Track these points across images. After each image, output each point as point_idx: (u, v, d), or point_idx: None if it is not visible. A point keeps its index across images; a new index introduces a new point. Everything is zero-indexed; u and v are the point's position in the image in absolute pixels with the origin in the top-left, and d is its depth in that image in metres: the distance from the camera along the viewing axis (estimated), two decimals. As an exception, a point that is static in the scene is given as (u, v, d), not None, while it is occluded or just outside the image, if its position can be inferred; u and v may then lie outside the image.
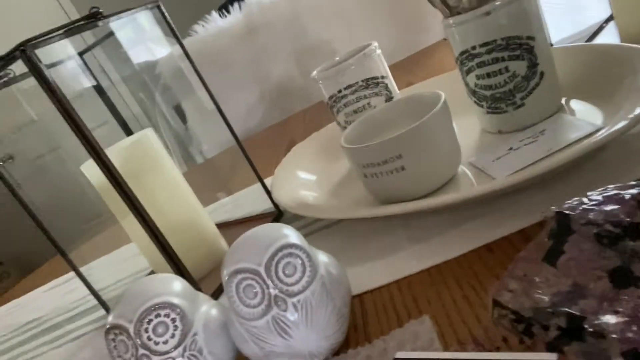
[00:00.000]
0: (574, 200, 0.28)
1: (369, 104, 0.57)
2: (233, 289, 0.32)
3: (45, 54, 0.43)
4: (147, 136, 0.55)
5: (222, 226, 0.62)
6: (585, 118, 0.46)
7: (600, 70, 0.49)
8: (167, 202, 0.55)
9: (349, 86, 0.56)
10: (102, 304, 0.59)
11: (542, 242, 0.27)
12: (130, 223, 0.56)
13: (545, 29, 0.48)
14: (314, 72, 0.61)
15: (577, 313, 0.23)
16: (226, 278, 0.32)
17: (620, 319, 0.22)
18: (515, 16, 0.45)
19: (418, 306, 0.35)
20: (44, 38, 0.41)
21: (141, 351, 0.32)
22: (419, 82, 0.75)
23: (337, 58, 0.62)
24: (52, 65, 0.57)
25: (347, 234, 0.50)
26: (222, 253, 0.59)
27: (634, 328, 0.21)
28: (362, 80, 0.56)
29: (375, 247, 0.45)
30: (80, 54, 0.63)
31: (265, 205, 0.69)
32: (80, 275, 0.58)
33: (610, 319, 0.22)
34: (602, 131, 0.39)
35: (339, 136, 0.63)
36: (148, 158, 0.54)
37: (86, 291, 0.60)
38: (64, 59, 0.61)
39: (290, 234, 0.33)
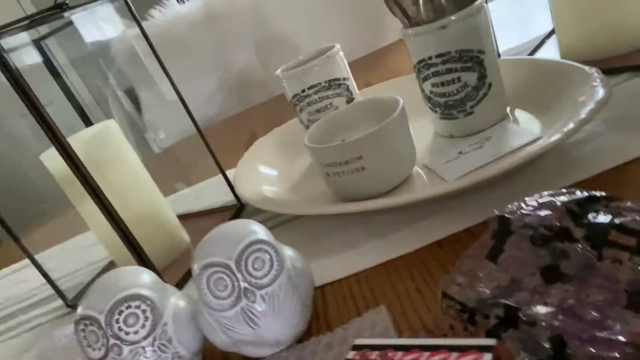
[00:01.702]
0: (514, 205, 0.32)
1: (331, 104, 0.60)
2: (204, 282, 0.34)
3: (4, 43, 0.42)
4: (110, 127, 0.55)
5: (183, 218, 0.63)
6: (526, 127, 0.51)
7: (541, 83, 0.53)
8: (129, 194, 0.55)
9: (313, 86, 0.59)
10: (59, 293, 0.59)
11: (485, 242, 0.31)
12: (90, 213, 0.56)
13: (494, 43, 0.52)
14: (278, 71, 0.62)
15: (513, 304, 0.27)
16: (197, 271, 0.34)
17: (549, 310, 0.26)
18: (468, 31, 0.49)
19: (375, 297, 0.38)
20: (10, 28, 0.41)
21: (112, 341, 0.34)
22: (377, 83, 0.78)
23: (301, 57, 0.64)
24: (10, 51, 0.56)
25: (308, 229, 0.52)
26: (184, 244, 0.60)
27: (560, 317, 0.25)
28: (325, 81, 0.58)
29: (336, 242, 0.47)
30: (35, 41, 0.61)
31: (227, 198, 0.70)
32: (35, 264, 0.57)
33: (540, 309, 0.26)
34: (541, 141, 0.43)
35: (301, 133, 0.65)
36: (110, 149, 0.55)
37: (41, 280, 0.60)
38: (18, 47, 0.59)
39: (259, 231, 0.35)
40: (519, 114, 0.54)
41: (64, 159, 0.44)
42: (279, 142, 0.71)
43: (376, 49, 1.23)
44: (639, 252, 0.25)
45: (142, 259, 0.49)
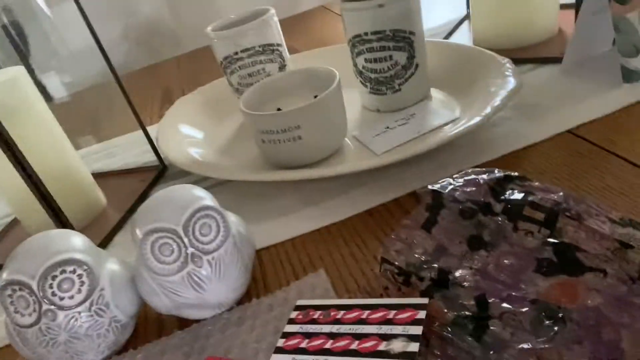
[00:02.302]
0: (444, 181, 0.36)
1: (263, 69, 0.59)
2: (148, 247, 0.34)
3: None
4: (19, 75, 0.50)
5: (97, 177, 0.60)
6: (445, 107, 0.55)
7: (458, 67, 0.58)
8: (42, 147, 0.51)
9: (246, 49, 0.58)
10: (-47, 256, 0.53)
11: (420, 213, 0.34)
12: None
13: (422, 25, 0.56)
14: (209, 29, 0.60)
15: (445, 268, 0.31)
16: (140, 236, 0.34)
17: (473, 273, 0.30)
18: (403, 12, 0.52)
19: (312, 261, 0.41)
20: None
21: (46, 306, 0.32)
22: (301, 50, 0.79)
23: (233, 16, 0.62)
24: None
25: (237, 193, 0.52)
26: (100, 206, 0.57)
27: (483, 279, 0.29)
28: (259, 46, 0.58)
29: (268, 208, 0.49)
30: None
31: (144, 158, 0.67)
32: None
33: (466, 272, 0.30)
34: (461, 122, 0.48)
35: (228, 95, 0.65)
36: (20, 97, 0.50)
37: None
38: None
39: (205, 196, 0.36)
40: (438, 94, 0.59)
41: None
42: (202, 103, 0.69)
43: (294, 13, 1.22)
44: (546, 225, 0.31)
45: (60, 219, 0.46)
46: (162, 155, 0.62)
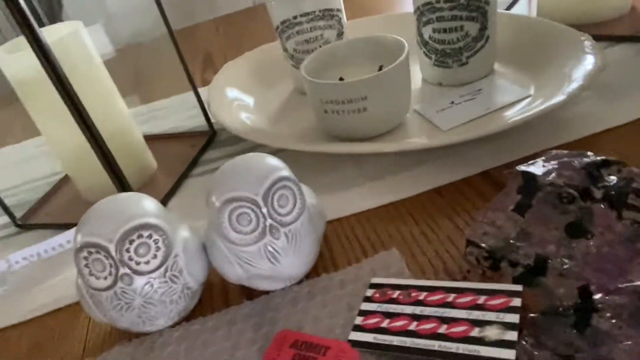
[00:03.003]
0: (534, 162, 0.34)
1: (322, 35, 0.57)
2: (226, 216, 0.32)
3: None
4: (78, 29, 0.48)
5: (147, 139, 0.58)
6: (514, 83, 0.53)
7: (530, 41, 0.55)
8: (100, 106, 0.50)
9: (306, 14, 0.55)
10: (5, 210, 0.53)
11: (510, 195, 0.33)
12: (48, 121, 0.50)
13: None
14: (266, -9, 0.58)
15: (543, 254, 0.29)
16: (218, 205, 0.32)
17: (575, 262, 0.28)
18: (480, -22, 0.48)
19: (380, 239, 0.39)
20: None
21: (123, 270, 0.32)
22: (358, 17, 0.76)
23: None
24: None
25: (292, 165, 0.51)
26: (151, 169, 0.56)
27: (584, 269, 0.28)
28: (320, 10, 0.55)
29: (327, 181, 0.47)
30: None
31: (192, 122, 0.66)
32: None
33: (567, 261, 0.28)
34: (537, 101, 0.45)
35: (279, 60, 0.63)
36: (80, 54, 0.48)
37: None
38: None
39: (283, 167, 0.34)
40: (505, 69, 0.56)
41: (38, 57, 0.38)
42: (251, 68, 0.67)
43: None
44: (654, 215, 0.29)
45: (120, 181, 0.45)
46: (212, 121, 0.60)
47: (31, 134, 0.76)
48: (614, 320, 0.26)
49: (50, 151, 0.56)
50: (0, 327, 0.42)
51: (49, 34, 0.48)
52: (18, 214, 0.54)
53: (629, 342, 0.25)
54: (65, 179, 0.59)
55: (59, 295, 0.43)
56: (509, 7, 0.72)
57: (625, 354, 0.24)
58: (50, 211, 0.54)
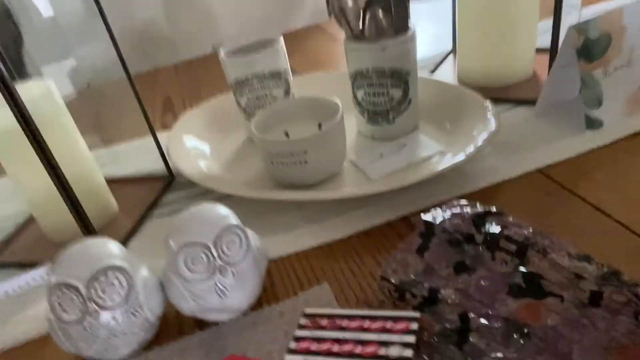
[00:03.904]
0: (435, 210, 0.42)
1: (270, 93, 0.65)
2: (181, 258, 0.39)
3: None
4: (51, 87, 0.54)
5: (108, 182, 0.64)
6: (431, 139, 0.62)
7: (444, 103, 0.65)
8: (67, 153, 0.54)
9: (256, 75, 0.63)
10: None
11: (414, 239, 0.41)
12: (17, 166, 0.54)
13: (416, 65, 0.62)
14: (222, 54, 0.65)
15: (434, 287, 0.37)
16: (175, 248, 0.39)
17: (457, 293, 0.36)
18: (401, 54, 0.58)
19: (315, 275, 0.47)
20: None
21: (91, 306, 0.37)
22: (297, 69, 0.84)
23: (243, 42, 0.68)
24: None
25: (243, 208, 0.57)
26: (113, 210, 0.62)
27: (464, 299, 0.36)
28: (268, 72, 0.63)
29: (272, 223, 0.54)
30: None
31: (153, 167, 0.72)
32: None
33: (451, 292, 0.37)
34: (447, 156, 0.55)
35: (233, 112, 0.70)
36: (52, 109, 0.54)
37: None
38: None
39: (231, 215, 0.41)
40: (427, 125, 0.65)
41: (14, 113, 0.43)
42: (209, 118, 0.74)
43: (288, 29, 1.27)
44: (517, 256, 0.37)
45: (83, 222, 0.50)
46: (170, 166, 0.66)
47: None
48: (483, 340, 0.34)
49: (15, 193, 0.60)
50: (-32, 361, 0.45)
51: (23, 91, 0.54)
52: (-17, 252, 0.58)
53: (499, 355, 0.33)
54: (30, 220, 0.63)
55: (26, 329, 0.47)
56: (434, 69, 0.83)
57: (488, 364, 0.32)
58: (16, 250, 0.58)
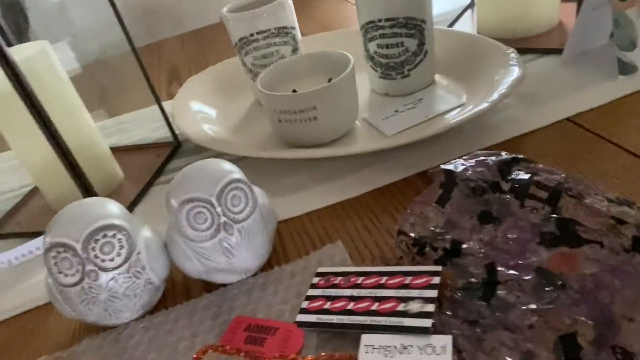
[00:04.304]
0: (455, 161, 0.39)
1: (277, 51, 0.61)
2: (183, 215, 0.36)
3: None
4: (46, 48, 0.51)
5: (113, 150, 0.61)
6: (451, 93, 0.58)
7: (464, 55, 0.61)
8: (66, 119, 0.52)
9: (262, 32, 0.60)
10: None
11: (433, 190, 0.37)
12: (16, 135, 0.52)
13: (432, 14, 0.58)
14: (224, 10, 0.62)
15: (457, 239, 0.34)
16: (176, 205, 0.36)
17: (483, 244, 0.33)
18: (416, 1, 0.54)
19: (328, 234, 0.44)
20: None
21: (89, 267, 0.35)
22: (308, 32, 0.81)
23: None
24: None
25: (252, 171, 0.55)
26: (118, 179, 0.59)
27: (491, 250, 0.33)
28: (275, 28, 0.60)
29: (282, 184, 0.52)
30: None
31: (157, 134, 0.70)
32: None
33: (476, 244, 0.33)
34: (467, 108, 0.51)
35: (239, 74, 0.67)
36: (49, 71, 0.51)
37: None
38: None
39: (235, 170, 0.38)
40: (444, 80, 0.61)
41: (7, 74, 0.41)
42: (214, 82, 0.71)
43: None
44: (549, 202, 0.34)
45: (86, 188, 0.48)
46: (176, 132, 0.64)
47: (0, 149, 0.77)
48: (513, 292, 0.31)
49: (19, 164, 0.58)
50: (-28, 330, 0.44)
51: (18, 52, 0.52)
52: (-11, 224, 0.56)
53: (532, 306, 0.30)
54: (35, 191, 0.62)
55: (29, 298, 0.45)
56: (452, 24, 0.78)
57: (517, 317, 0.29)
58: (21, 221, 0.57)
